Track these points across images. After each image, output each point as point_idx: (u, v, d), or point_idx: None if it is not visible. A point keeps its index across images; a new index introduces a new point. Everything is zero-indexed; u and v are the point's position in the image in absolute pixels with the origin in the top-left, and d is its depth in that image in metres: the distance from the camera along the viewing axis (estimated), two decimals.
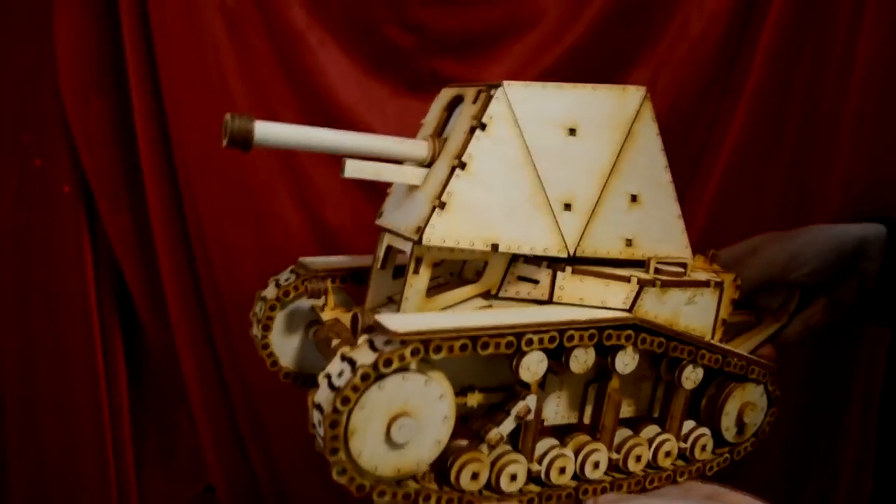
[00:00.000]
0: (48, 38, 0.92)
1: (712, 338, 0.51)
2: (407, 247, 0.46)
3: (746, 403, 0.55)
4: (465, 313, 0.47)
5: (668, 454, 0.53)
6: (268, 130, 0.44)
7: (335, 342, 0.49)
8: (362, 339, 0.42)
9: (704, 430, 0.55)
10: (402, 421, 0.40)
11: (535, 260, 0.48)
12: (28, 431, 1.01)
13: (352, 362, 0.40)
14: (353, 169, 0.47)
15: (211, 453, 1.01)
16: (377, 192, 0.92)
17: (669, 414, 0.53)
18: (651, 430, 0.53)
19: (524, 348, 0.43)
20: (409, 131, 0.91)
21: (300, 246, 0.94)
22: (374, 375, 0.39)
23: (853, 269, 0.65)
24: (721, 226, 0.84)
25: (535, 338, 0.42)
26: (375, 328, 0.41)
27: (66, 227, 1.00)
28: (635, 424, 0.53)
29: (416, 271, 0.46)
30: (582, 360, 0.45)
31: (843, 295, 0.66)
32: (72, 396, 1.02)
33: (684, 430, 0.54)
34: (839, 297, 0.66)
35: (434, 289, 0.49)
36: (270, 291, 0.57)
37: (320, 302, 0.54)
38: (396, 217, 0.48)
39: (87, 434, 1.02)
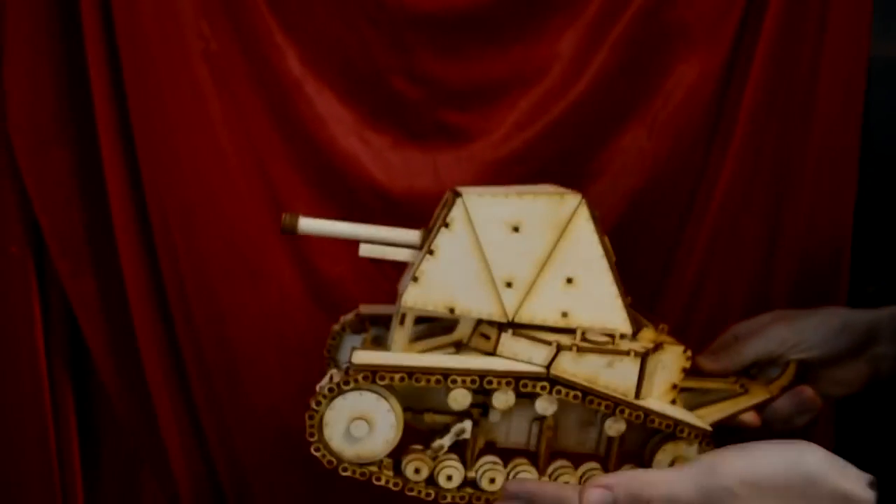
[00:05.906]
0: None
1: (636, 397, 0.62)
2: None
3: (678, 457, 0.64)
4: (413, 355, 0.62)
5: None
6: (309, 224, 0.63)
7: None
8: (345, 365, 0.60)
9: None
10: (359, 423, 0.59)
11: (491, 323, 0.62)
12: None
13: (331, 378, 0.60)
14: (366, 250, 0.63)
15: None
16: None
17: (608, 455, 0.65)
18: (590, 465, 0.66)
19: (450, 385, 0.59)
20: (415, 181, 0.90)
21: (297, 303, 0.89)
22: (337, 390, 0.59)
23: (862, 352, 0.68)
24: (719, 257, 0.91)
25: (459, 378, 0.60)
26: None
27: (14, 292, 0.89)
28: (582, 460, 0.66)
29: (401, 323, 0.62)
30: (502, 399, 0.61)
31: (849, 376, 0.69)
32: (21, 472, 0.91)
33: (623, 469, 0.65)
34: (843, 377, 0.69)
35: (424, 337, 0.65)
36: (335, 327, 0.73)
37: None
38: (401, 284, 0.64)
39: None
